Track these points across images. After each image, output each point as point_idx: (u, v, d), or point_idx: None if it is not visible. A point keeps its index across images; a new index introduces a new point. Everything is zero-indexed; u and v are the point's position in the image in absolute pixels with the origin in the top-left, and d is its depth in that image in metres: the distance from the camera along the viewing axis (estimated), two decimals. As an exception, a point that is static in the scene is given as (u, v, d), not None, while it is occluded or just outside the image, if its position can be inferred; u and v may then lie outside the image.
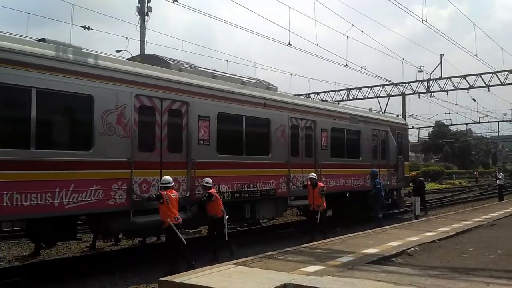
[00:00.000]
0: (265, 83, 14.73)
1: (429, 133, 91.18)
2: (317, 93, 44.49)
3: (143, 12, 24.12)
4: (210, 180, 11.08)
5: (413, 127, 69.56)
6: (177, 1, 15.87)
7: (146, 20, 24.07)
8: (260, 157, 13.49)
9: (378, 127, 19.36)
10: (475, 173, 68.74)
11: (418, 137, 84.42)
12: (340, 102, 45.68)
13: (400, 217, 20.63)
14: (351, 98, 43.42)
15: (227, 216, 11.30)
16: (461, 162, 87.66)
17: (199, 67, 12.77)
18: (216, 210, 11.13)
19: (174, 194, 10.05)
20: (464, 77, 36.46)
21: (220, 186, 11.92)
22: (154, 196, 9.94)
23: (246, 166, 12.87)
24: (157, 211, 9.97)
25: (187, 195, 11.18)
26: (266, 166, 13.57)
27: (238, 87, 13.08)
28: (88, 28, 21.33)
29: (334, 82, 61.66)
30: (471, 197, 33.60)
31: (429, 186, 48.72)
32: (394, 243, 10.71)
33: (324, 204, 14.09)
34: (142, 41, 23.79)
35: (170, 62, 11.93)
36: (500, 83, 34.47)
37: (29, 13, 26.98)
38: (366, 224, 16.24)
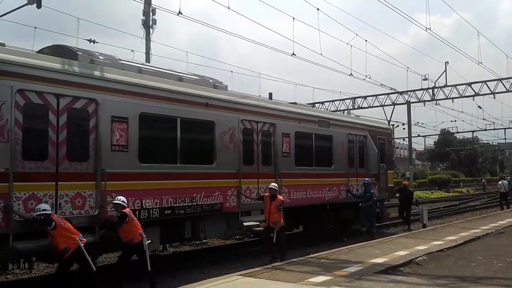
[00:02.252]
0: (211, 81, 12.49)
1: (435, 141, 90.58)
2: (322, 103, 44.49)
3: (148, 24, 24.20)
4: (123, 199, 8.80)
5: (419, 135, 69.14)
6: (181, 13, 15.99)
7: (151, 32, 24.17)
8: (201, 166, 11.22)
9: (354, 131, 16.98)
10: (482, 180, 67.91)
11: (424, 145, 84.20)
12: (345, 111, 45.79)
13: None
14: (356, 107, 43.45)
15: (149, 241, 8.91)
16: (468, 170, 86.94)
17: (121, 59, 10.68)
18: (133, 234, 8.66)
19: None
20: (469, 84, 36.35)
21: (144, 202, 9.68)
22: (42, 218, 7.68)
23: (181, 177, 10.58)
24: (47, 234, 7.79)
25: (96, 213, 8.87)
26: (209, 177, 11.26)
27: (169, 84, 10.80)
28: (94, 41, 21.48)
29: (339, 91, 61.90)
30: (479, 205, 32.65)
31: (436, 194, 48.28)
32: (402, 253, 10.51)
33: (282, 221, 11.42)
34: (147, 53, 23.88)
35: (79, 52, 9.87)
36: (505, 90, 34.29)
37: (35, 27, 27.38)
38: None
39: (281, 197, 11.70)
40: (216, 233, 12.32)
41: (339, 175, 15.84)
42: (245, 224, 12.23)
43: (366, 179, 16.21)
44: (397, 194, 20.15)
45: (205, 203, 11.03)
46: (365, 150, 17.42)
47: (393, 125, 54.72)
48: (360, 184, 16.44)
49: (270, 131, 13.29)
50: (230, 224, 12.11)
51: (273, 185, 11.65)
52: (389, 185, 18.86)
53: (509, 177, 38.26)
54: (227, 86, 13.04)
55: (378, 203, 17.84)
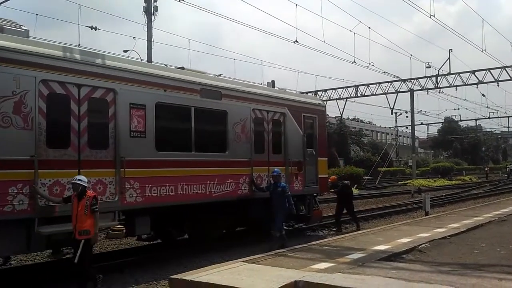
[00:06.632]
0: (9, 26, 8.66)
1: (438, 129, 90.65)
2: (325, 90, 44.39)
3: (149, 11, 24.13)
4: None
5: (422, 124, 69.35)
6: (183, 0, 15.90)
7: (152, 19, 24.11)
8: None
9: (265, 106, 13.06)
10: (486, 169, 68.12)
11: (427, 133, 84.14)
12: (347, 99, 45.55)
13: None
14: (359, 94, 43.38)
15: None
16: (471, 158, 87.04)
17: None
18: None
19: None
20: (473, 72, 36.18)
21: None
22: None
23: None
24: None
25: None
26: None
27: None
28: (96, 28, 21.47)
29: (341, 79, 61.81)
30: (482, 193, 32.63)
31: (439, 182, 48.37)
32: (405, 240, 10.47)
33: (93, 229, 7.87)
34: (149, 41, 23.82)
35: None
36: (509, 78, 34.12)
37: (37, 14, 27.31)
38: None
39: (91, 193, 8.08)
40: (5, 250, 8.49)
41: (238, 164, 12.18)
42: (46, 234, 8.43)
43: (276, 169, 12.54)
44: (331, 191, 16.71)
45: None
46: (284, 131, 13.65)
47: (396, 113, 54.74)
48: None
49: (106, 100, 9.42)
50: (33, 235, 8.35)
51: (79, 178, 7.94)
52: (320, 176, 14.95)
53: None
54: (28, 30, 9.01)
55: (309, 199, 14.62)
